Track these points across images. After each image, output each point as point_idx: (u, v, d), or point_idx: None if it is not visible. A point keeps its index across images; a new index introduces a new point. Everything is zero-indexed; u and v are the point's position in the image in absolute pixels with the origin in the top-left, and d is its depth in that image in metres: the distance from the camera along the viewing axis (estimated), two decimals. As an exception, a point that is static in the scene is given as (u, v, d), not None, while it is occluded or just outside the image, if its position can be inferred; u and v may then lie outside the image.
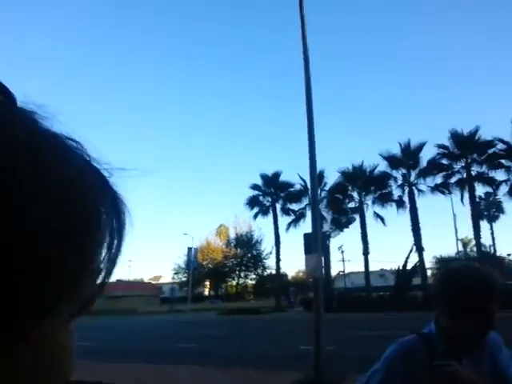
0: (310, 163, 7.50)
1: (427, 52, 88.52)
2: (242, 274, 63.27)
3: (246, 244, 60.99)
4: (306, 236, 7.43)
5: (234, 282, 65.75)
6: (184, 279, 60.91)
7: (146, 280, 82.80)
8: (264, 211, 35.72)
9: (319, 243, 7.04)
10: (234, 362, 9.36)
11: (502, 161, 28.51)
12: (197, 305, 48.18)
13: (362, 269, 33.01)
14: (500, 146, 28.70)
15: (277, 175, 35.74)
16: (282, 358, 9.67)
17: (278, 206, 35.29)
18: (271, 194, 35.85)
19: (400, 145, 31.31)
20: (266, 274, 60.96)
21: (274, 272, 38.95)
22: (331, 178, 39.45)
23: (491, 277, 1.16)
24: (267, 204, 35.93)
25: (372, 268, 34.59)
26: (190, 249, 40.76)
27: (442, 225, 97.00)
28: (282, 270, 51.67)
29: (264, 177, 36.04)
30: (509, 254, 47.64)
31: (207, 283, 69.42)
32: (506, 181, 28.91)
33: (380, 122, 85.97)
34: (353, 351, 10.40)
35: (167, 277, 78.81)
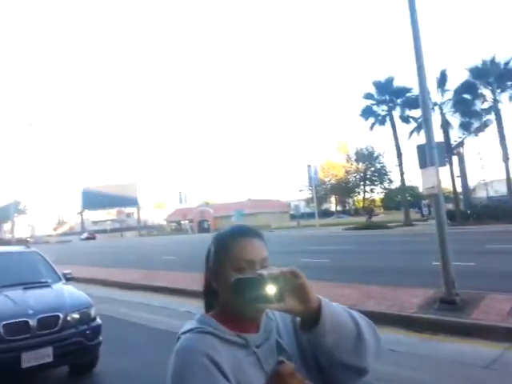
0: (415, 52, 6.45)
1: None
2: (368, 189, 62.05)
3: (367, 158, 58.88)
4: (419, 147, 6.66)
5: (361, 197, 65.12)
6: (309, 195, 62.60)
7: (273, 198, 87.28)
8: (380, 121, 33.23)
9: (435, 154, 6.31)
10: (362, 277, 9.54)
11: None
12: (324, 220, 49.52)
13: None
14: None
15: (390, 81, 32.41)
16: (412, 274, 9.49)
17: (396, 115, 32.52)
18: (386, 101, 32.94)
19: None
20: (393, 187, 58.89)
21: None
22: (457, 81, 34.37)
23: None
24: (383, 113, 33.32)
25: (517, 174, 30.14)
26: (309, 166, 41.03)
27: None
28: (412, 183, 49.15)
29: (376, 84, 33.03)
30: None
31: (333, 199, 70.42)
32: None
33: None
34: (496, 267, 9.71)
35: (294, 194, 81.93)
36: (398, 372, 4.42)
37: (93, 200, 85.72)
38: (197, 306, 7.74)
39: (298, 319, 0.98)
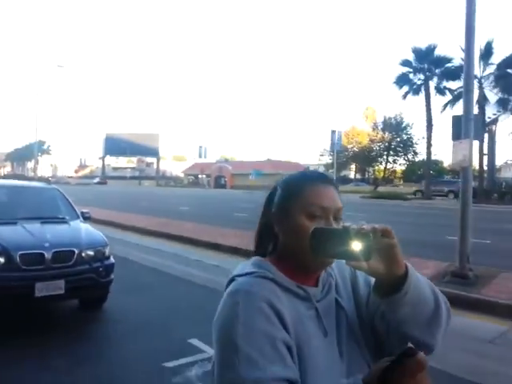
0: (466, 20, 6.00)
1: None
2: (391, 159, 60.77)
3: (394, 128, 57.26)
4: (454, 118, 6.32)
5: (382, 167, 64.05)
6: (329, 161, 61.83)
7: (293, 160, 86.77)
8: (415, 90, 32.01)
9: (471, 127, 5.98)
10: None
11: None
12: (341, 187, 49.08)
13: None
14: None
15: (431, 49, 30.85)
16: (426, 246, 9.37)
17: (432, 85, 31.16)
18: (424, 70, 31.50)
19: None
20: (416, 159, 57.62)
21: (425, 158, 36.19)
22: (503, 54, 32.40)
23: None
24: (419, 82, 31.97)
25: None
26: (333, 132, 40.15)
27: None
28: (437, 157, 47.94)
29: (417, 51, 31.51)
30: None
31: (353, 166, 69.51)
32: None
33: None
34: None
35: (314, 158, 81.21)
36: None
37: (115, 146, 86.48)
38: (207, 256, 7.90)
39: (374, 282, 0.88)
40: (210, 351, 3.83)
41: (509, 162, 54.63)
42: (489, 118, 27.59)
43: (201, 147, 68.46)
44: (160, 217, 14.99)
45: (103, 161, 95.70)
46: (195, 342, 4.03)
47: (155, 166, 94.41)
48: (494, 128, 28.91)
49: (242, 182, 61.13)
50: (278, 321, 0.80)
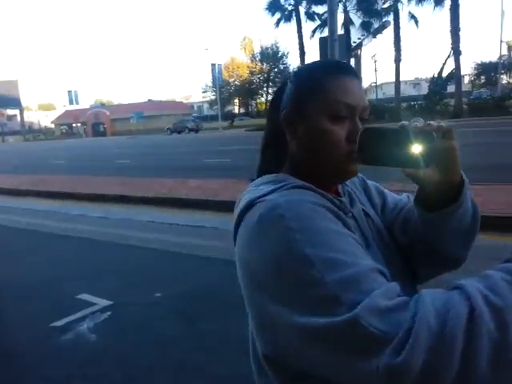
0: None
1: None
2: (270, 91, 62.18)
3: (271, 58, 58.07)
4: (321, 40, 6.52)
5: (263, 99, 65.37)
6: (213, 97, 61.03)
7: (177, 100, 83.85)
8: (286, 16, 32.43)
9: (336, 48, 6.26)
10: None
11: None
12: (227, 122, 49.25)
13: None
14: None
15: (298, -29, 31.07)
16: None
17: (302, 10, 31.80)
18: (293, -5, 31.89)
19: None
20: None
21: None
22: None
23: None
24: (290, 8, 32.37)
25: (406, 77, 32.53)
26: (213, 65, 39.27)
27: (485, 25, 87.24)
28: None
29: (283, -26, 31.49)
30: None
31: (236, 101, 69.71)
32: None
33: None
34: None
35: (197, 96, 79.30)
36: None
37: (-39, 100, 73.28)
38: (92, 208, 7.41)
39: (418, 193, 0.75)
40: (100, 303, 3.70)
41: (373, 84, 59.85)
42: (354, 42, 29.37)
43: (70, 92, 61.68)
44: (33, 174, 13.49)
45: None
46: (84, 296, 3.84)
47: (19, 118, 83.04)
48: (359, 52, 30.97)
49: (123, 128, 57.60)
50: (340, 222, 0.66)
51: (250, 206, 0.67)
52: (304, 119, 0.73)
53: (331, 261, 0.56)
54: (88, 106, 67.96)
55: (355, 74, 0.75)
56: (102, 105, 73.16)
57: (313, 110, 0.72)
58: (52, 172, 13.80)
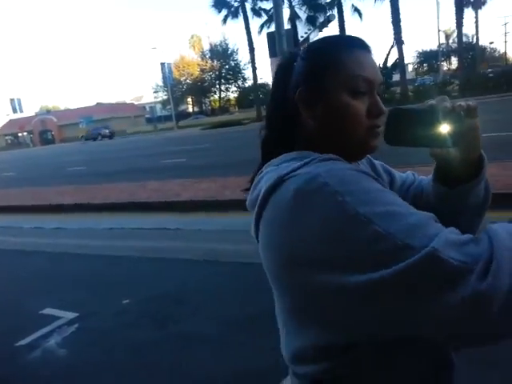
0: None
1: None
2: (223, 88, 61.92)
3: (221, 55, 57.77)
4: (269, 35, 6.62)
5: (217, 97, 64.95)
6: (165, 97, 59.93)
7: (127, 101, 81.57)
8: (233, 13, 32.37)
9: (284, 43, 6.36)
10: (219, 171, 9.74)
11: None
12: (181, 122, 48.59)
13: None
14: None
15: (241, -33, 31.09)
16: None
17: (249, 6, 31.89)
18: (238, -9, 31.88)
19: None
20: (246, 85, 59.86)
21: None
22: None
23: None
24: (236, 4, 32.34)
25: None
26: (163, 64, 38.53)
27: (423, 16, 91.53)
28: (264, 80, 50.48)
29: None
30: (491, 42, 46.33)
31: (189, 100, 68.79)
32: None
33: None
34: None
35: (149, 96, 77.52)
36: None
37: None
38: (48, 220, 7.10)
39: (437, 171, 0.77)
40: (66, 315, 3.60)
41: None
42: (301, 36, 29.81)
43: (13, 100, 58.44)
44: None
45: None
46: (49, 310, 3.71)
47: (-43, 131, 77.78)
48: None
49: (72, 134, 55.41)
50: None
51: (280, 182, 0.63)
52: (323, 96, 0.70)
53: (389, 214, 0.55)
54: (33, 114, 64.71)
55: (369, 48, 0.73)
56: (48, 111, 69.85)
57: (333, 85, 0.70)
58: (2, 185, 13.09)
